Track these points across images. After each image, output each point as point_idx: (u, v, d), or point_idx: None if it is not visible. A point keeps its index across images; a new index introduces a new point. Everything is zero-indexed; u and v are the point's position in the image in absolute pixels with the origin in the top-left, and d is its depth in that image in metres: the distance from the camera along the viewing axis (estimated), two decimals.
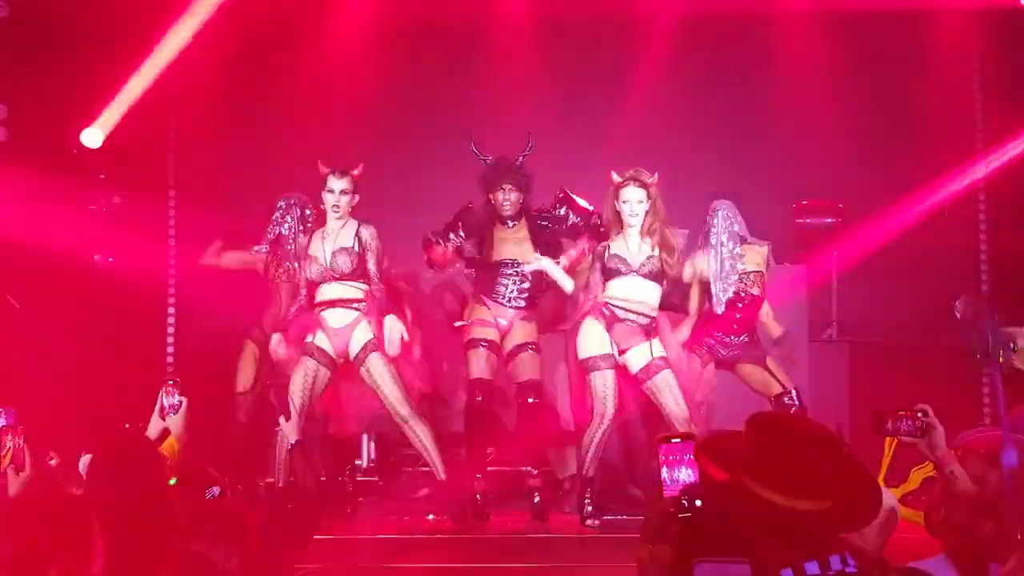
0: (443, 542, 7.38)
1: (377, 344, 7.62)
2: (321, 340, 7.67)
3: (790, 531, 2.51)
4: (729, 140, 9.85)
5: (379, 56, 10.02)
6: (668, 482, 2.65)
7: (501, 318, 8.15)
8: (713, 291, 7.92)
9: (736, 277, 7.95)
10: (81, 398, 9.07)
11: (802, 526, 2.50)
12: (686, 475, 2.62)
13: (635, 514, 7.94)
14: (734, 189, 8.21)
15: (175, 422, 4.21)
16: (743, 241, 8.00)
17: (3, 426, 4.11)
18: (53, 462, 5.40)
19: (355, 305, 7.68)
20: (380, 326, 7.65)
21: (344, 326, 7.67)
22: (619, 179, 7.63)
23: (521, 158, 8.20)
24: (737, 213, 8.03)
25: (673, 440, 2.66)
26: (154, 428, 4.19)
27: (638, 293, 7.68)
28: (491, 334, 8.13)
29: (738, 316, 8.03)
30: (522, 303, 8.17)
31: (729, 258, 7.92)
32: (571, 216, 8.26)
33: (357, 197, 7.73)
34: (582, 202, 8.27)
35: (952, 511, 3.66)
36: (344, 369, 7.78)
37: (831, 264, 9.95)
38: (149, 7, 9.52)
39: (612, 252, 7.67)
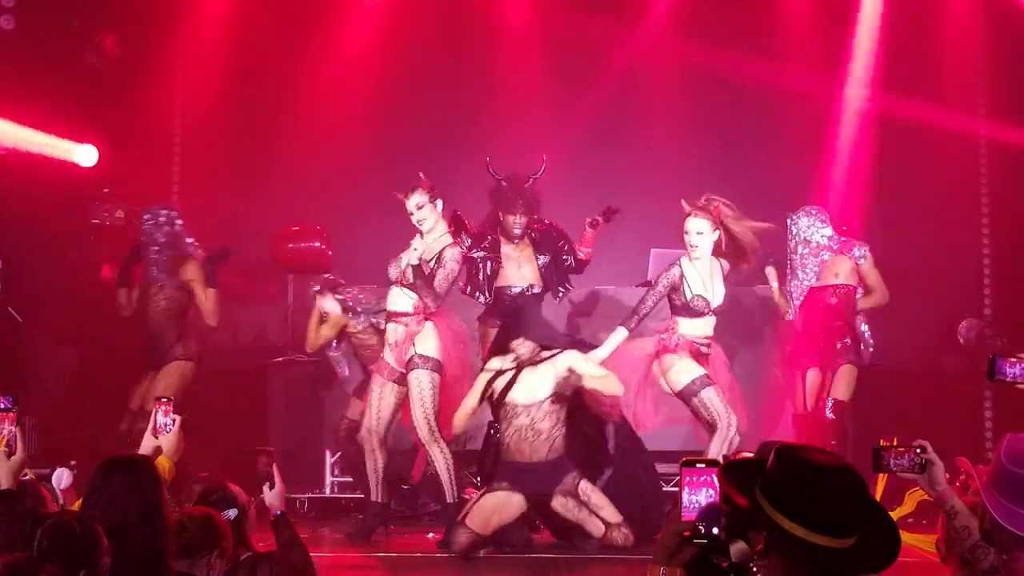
0: (443, 560, 7.34)
1: (424, 359, 7.53)
2: (388, 356, 7.69)
3: (807, 564, 2.51)
4: (736, 163, 9.86)
5: (388, 73, 10.08)
6: (688, 505, 2.64)
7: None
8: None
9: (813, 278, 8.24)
10: (81, 410, 9.10)
11: (821, 560, 2.50)
12: (706, 499, 2.62)
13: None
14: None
15: (168, 441, 4.19)
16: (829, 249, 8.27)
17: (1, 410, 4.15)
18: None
19: (404, 319, 7.61)
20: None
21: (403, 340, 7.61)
22: (688, 208, 7.62)
23: (532, 180, 8.26)
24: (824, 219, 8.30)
25: (697, 464, 2.66)
26: (147, 446, 4.17)
27: (710, 328, 7.76)
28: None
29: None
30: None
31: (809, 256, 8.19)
32: (569, 259, 8.27)
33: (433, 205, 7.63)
34: (582, 253, 8.28)
35: (953, 546, 3.69)
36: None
37: None
38: (155, 20, 9.57)
39: (695, 292, 7.62)
